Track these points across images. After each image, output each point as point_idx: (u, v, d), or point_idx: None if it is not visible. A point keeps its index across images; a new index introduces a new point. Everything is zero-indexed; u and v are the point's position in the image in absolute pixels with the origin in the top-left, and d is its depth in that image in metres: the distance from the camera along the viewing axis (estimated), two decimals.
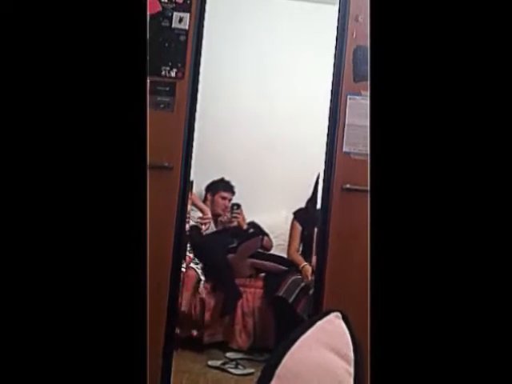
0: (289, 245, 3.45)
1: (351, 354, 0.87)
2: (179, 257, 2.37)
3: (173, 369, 2.38)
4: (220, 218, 3.63)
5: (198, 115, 2.36)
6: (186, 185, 2.34)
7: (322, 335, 0.90)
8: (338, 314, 0.92)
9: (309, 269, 3.15)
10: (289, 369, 0.87)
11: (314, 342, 0.89)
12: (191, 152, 2.33)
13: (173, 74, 2.26)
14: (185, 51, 2.26)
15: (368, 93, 2.27)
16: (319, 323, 0.91)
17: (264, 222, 3.79)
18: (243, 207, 3.69)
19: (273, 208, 3.91)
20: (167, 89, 2.26)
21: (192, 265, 3.23)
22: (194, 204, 3.46)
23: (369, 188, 0.90)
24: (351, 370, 0.86)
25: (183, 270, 3.13)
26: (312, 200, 3.23)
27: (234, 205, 3.66)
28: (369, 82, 0.91)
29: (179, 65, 2.26)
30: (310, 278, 3.08)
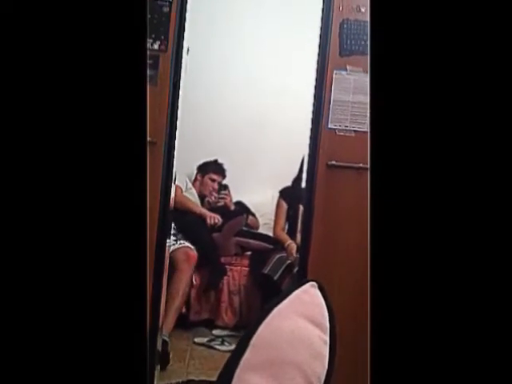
0: (275, 223, 3.45)
1: (326, 323, 0.87)
2: (164, 234, 2.35)
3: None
4: (207, 199, 3.62)
5: (182, 90, 2.31)
6: (170, 160, 2.30)
7: (298, 304, 0.89)
8: (314, 284, 0.91)
9: (294, 247, 3.16)
10: (264, 338, 0.86)
11: (289, 311, 0.88)
12: (175, 127, 2.29)
13: (156, 46, 2.21)
14: (168, 23, 2.21)
15: (353, 68, 2.24)
16: (295, 293, 0.91)
17: (250, 202, 3.79)
18: (229, 186, 3.68)
19: (259, 187, 3.89)
20: (151, 62, 2.20)
21: (187, 244, 3.20)
22: (190, 211, 3.39)
23: (369, 166, 0.88)
24: (326, 338, 0.86)
25: (186, 249, 3.12)
26: (298, 178, 3.22)
27: (221, 186, 3.64)
28: (368, 58, 0.90)
29: (162, 37, 2.21)
30: (294, 255, 3.09)
